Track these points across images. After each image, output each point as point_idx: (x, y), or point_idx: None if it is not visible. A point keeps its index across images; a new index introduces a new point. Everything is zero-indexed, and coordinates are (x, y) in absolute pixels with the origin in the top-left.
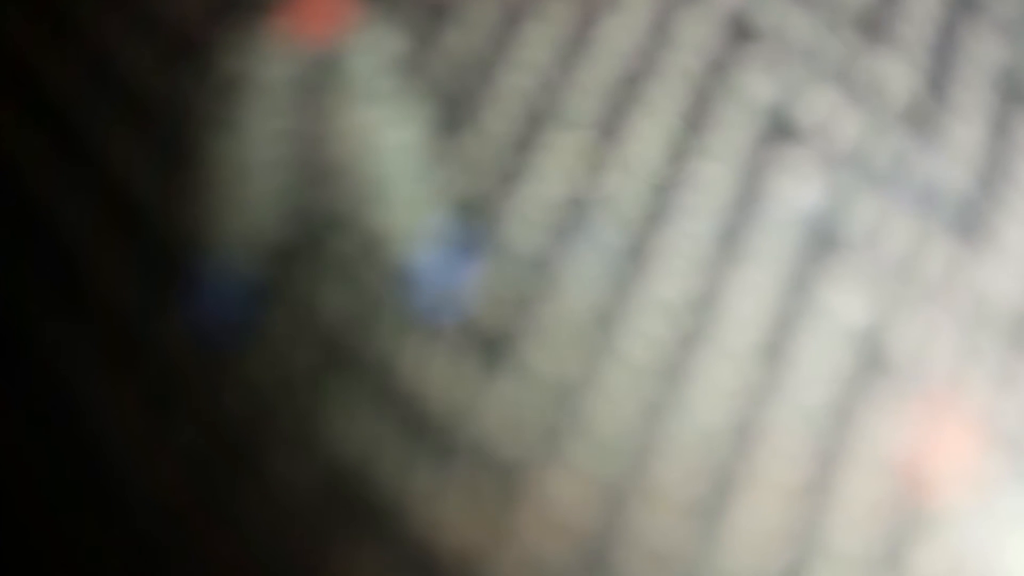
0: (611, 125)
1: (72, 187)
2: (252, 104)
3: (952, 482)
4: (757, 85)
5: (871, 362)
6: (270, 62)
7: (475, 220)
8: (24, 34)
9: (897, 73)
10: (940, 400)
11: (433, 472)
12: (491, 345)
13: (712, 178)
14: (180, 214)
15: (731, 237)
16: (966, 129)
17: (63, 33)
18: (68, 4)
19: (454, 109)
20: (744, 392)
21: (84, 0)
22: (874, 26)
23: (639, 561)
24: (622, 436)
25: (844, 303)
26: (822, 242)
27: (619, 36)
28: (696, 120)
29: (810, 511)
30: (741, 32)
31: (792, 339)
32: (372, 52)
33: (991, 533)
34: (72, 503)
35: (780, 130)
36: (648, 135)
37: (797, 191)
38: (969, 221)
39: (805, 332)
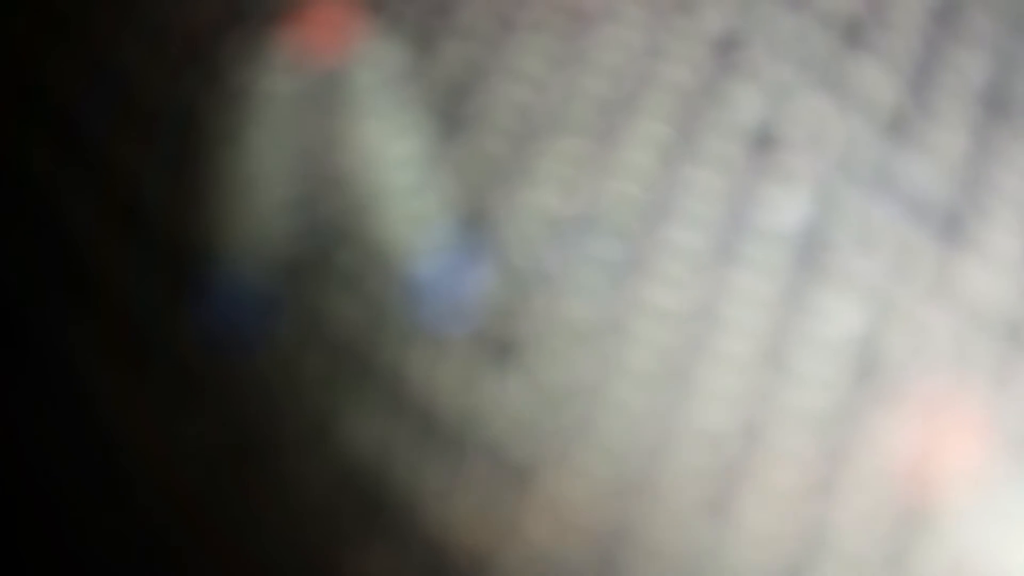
0: (605, 132)
1: (82, 194)
2: (258, 115)
3: (953, 482)
4: (746, 94)
5: (870, 366)
6: (277, 74)
7: (477, 230)
8: (34, 44)
9: (882, 83)
10: (940, 402)
11: (445, 473)
12: (499, 352)
13: (704, 186)
14: (189, 223)
15: (725, 245)
16: (949, 138)
17: (72, 43)
18: (78, 14)
19: (453, 120)
20: (747, 397)
21: (94, 11)
22: (860, 37)
23: (646, 560)
24: (628, 440)
25: (839, 309)
26: (814, 248)
27: (611, 46)
28: (687, 128)
29: (813, 512)
30: (731, 42)
31: (791, 345)
32: (376, 65)
33: (992, 533)
34: (85, 501)
35: (769, 138)
36: (641, 142)
37: (787, 198)
38: (954, 228)
39: (803, 337)
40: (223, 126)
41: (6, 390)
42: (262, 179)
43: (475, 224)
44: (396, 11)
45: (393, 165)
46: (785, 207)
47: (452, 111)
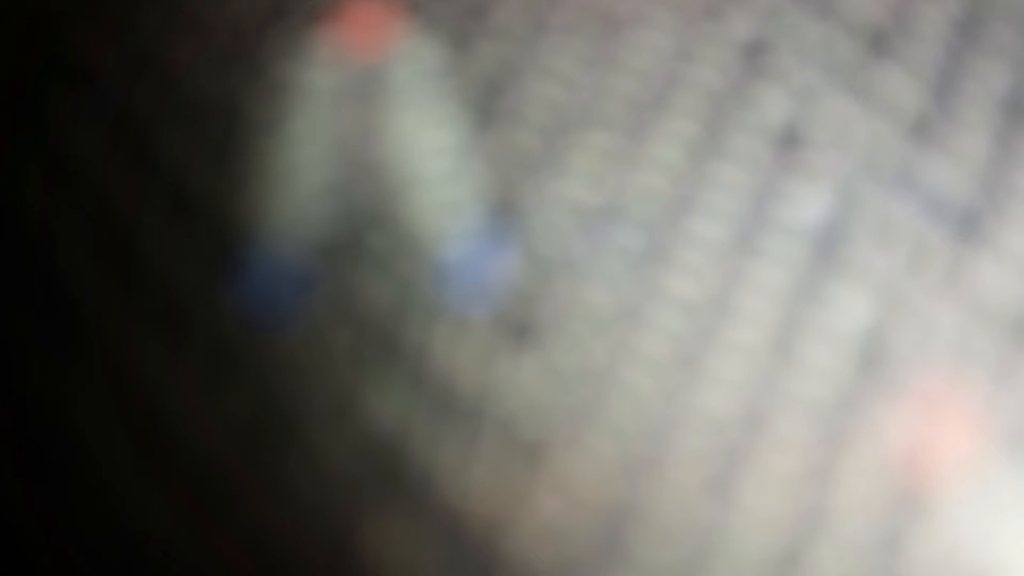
0: (634, 129)
1: (130, 178)
2: (299, 107)
3: (950, 471)
4: (773, 96)
5: (874, 357)
6: (318, 69)
7: (506, 218)
8: (89, 41)
9: (906, 88)
10: (940, 394)
11: (461, 447)
12: (518, 334)
13: (729, 180)
14: (230, 206)
15: (746, 237)
16: (971, 142)
17: (125, 39)
18: (129, 13)
19: (487, 114)
20: (752, 384)
21: (145, 9)
22: (885, 45)
23: (650, 536)
24: (636, 422)
25: (850, 301)
26: (832, 242)
27: (642, 49)
28: (714, 126)
29: (812, 496)
30: (758, 48)
31: (800, 335)
32: (413, 62)
33: (987, 521)
34: (126, 469)
35: (794, 137)
36: (669, 138)
37: (809, 194)
38: (972, 227)
39: (812, 328)
40: (265, 117)
41: (52, 366)
42: (301, 166)
43: (504, 212)
44: (433, 12)
45: (427, 154)
46: (806, 202)
47: (486, 106)
